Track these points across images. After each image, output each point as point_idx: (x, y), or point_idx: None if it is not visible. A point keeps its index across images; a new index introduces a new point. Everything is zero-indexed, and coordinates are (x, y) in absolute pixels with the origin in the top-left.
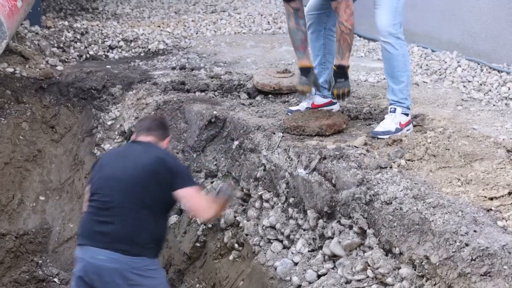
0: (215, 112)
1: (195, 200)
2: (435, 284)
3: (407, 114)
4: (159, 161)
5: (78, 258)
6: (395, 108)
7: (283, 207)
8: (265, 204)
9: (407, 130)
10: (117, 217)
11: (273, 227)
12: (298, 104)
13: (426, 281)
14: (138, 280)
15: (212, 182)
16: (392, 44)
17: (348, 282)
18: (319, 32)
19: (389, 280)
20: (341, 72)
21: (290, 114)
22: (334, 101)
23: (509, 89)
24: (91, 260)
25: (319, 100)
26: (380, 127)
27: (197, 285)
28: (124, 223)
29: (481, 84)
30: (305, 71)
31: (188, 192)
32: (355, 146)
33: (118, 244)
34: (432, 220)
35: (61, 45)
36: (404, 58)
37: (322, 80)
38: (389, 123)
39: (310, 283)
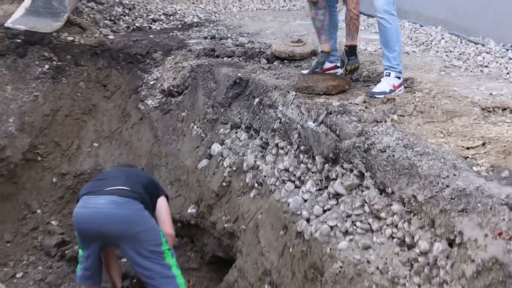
0: (239, 74)
1: (162, 209)
2: (421, 219)
3: (399, 78)
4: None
5: (78, 207)
6: (389, 73)
7: (295, 153)
8: (280, 151)
9: (399, 91)
10: (118, 179)
11: (286, 170)
12: (308, 68)
13: (414, 216)
14: (137, 217)
15: (236, 132)
16: (387, 19)
17: (348, 216)
18: (328, 9)
19: (382, 214)
20: (352, 51)
21: (302, 76)
22: (339, 65)
23: (483, 58)
24: (92, 206)
25: (326, 64)
26: (377, 88)
27: (223, 217)
28: (124, 180)
29: (460, 54)
30: (322, 52)
31: (160, 200)
32: (356, 104)
33: (118, 191)
34: (419, 165)
35: (112, 18)
36: (397, 31)
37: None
38: (384, 85)
39: (317, 216)
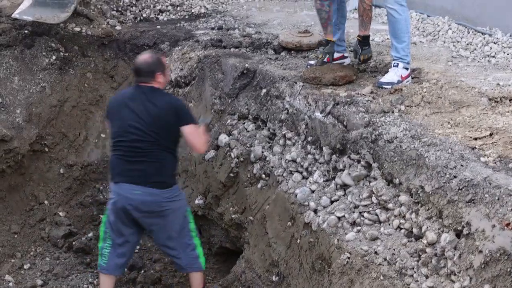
0: (246, 65)
1: (195, 136)
2: (428, 209)
3: (407, 69)
4: (167, 108)
5: (115, 193)
6: (397, 63)
7: (303, 144)
8: (288, 142)
9: (406, 82)
10: (144, 160)
11: (294, 161)
12: (315, 59)
13: (421, 206)
14: (168, 205)
15: (244, 123)
16: (397, 10)
17: (356, 207)
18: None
19: (390, 205)
20: (365, 41)
21: (309, 67)
22: (346, 55)
23: (491, 48)
24: (129, 195)
25: (334, 54)
26: (385, 79)
27: (231, 208)
28: (150, 163)
29: (468, 44)
30: (327, 42)
31: (190, 129)
32: (363, 94)
33: (150, 180)
34: (427, 156)
35: (120, 9)
36: (406, 22)
37: (336, 37)
38: (392, 75)
39: (324, 207)
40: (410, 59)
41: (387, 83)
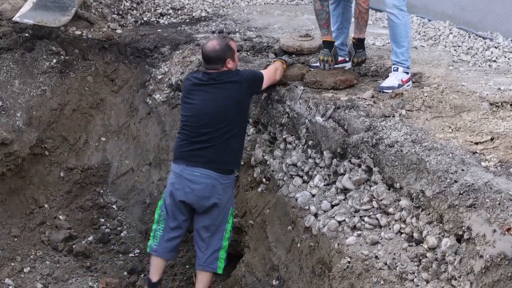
0: (247, 68)
1: (268, 76)
2: (429, 214)
3: (407, 73)
4: (240, 89)
5: (175, 173)
6: (397, 68)
7: (303, 148)
8: (288, 146)
9: (407, 86)
10: (209, 143)
11: (294, 165)
12: (316, 63)
13: (422, 211)
14: (222, 192)
15: None
16: (396, 14)
17: (356, 211)
18: (339, 2)
19: (390, 210)
20: (360, 44)
21: (311, 70)
22: (347, 59)
23: (492, 53)
24: (187, 176)
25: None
26: (385, 83)
27: None
28: (215, 148)
29: (469, 49)
30: (328, 44)
31: (264, 78)
32: (364, 98)
33: (211, 164)
34: (427, 161)
35: (120, 12)
36: (406, 27)
37: (339, 42)
38: (392, 80)
39: (325, 211)
40: (410, 64)
41: (388, 88)
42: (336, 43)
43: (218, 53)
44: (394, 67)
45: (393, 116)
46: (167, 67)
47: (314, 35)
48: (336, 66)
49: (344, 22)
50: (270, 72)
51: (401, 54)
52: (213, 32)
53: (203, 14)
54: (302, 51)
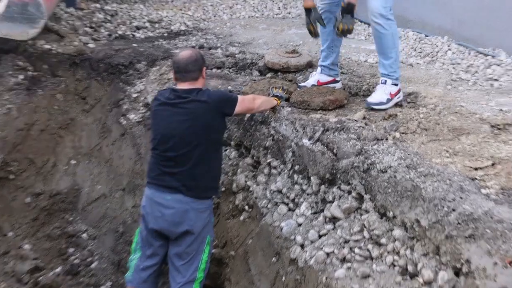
0: (229, 87)
1: (244, 101)
2: (424, 245)
3: (396, 85)
4: (208, 110)
5: (147, 196)
6: (385, 80)
7: (289, 173)
8: (273, 171)
9: (397, 98)
10: (178, 168)
11: (279, 191)
12: (305, 81)
13: (417, 242)
14: (195, 218)
15: (225, 150)
16: (382, 24)
17: (346, 241)
18: (330, 20)
19: (383, 240)
20: (349, 9)
21: (298, 89)
22: (338, 79)
23: (493, 71)
24: (158, 200)
25: (324, 78)
26: (373, 98)
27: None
28: (185, 172)
29: (468, 66)
30: (308, 11)
31: (238, 104)
32: (355, 120)
33: (182, 188)
34: (423, 187)
35: (93, 25)
36: (393, 37)
37: (329, 62)
38: (380, 94)
39: (312, 242)
40: (399, 75)
41: (376, 104)
42: (325, 63)
43: (196, 61)
44: (381, 80)
45: (386, 139)
46: (143, 84)
47: (302, 51)
48: (325, 85)
49: (336, 40)
50: (247, 98)
51: (389, 65)
52: (193, 47)
53: (183, 27)
54: (288, 68)
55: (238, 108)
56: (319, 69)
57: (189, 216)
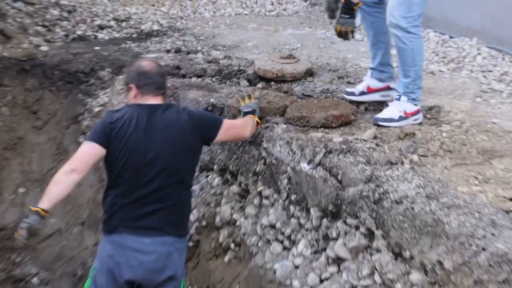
0: (212, 100)
1: (230, 130)
2: None
3: (415, 105)
4: (190, 130)
5: (114, 243)
6: (399, 96)
7: (284, 204)
8: (265, 201)
9: (414, 120)
10: (160, 203)
11: (272, 226)
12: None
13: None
14: (178, 260)
15: (207, 176)
16: (400, 37)
17: (354, 287)
18: (367, 20)
19: (398, 286)
20: (347, 7)
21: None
22: (392, 86)
23: None
24: (133, 245)
25: (374, 83)
26: (383, 114)
27: None
28: (169, 208)
29: (502, 74)
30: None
31: (223, 128)
32: (364, 140)
33: (165, 227)
34: (446, 222)
35: (46, 24)
36: (413, 53)
37: (377, 62)
38: (392, 110)
39: (312, 287)
40: (419, 96)
41: (385, 120)
42: (373, 64)
43: (164, 73)
44: (396, 95)
45: (402, 163)
46: (107, 96)
47: (300, 56)
48: (369, 93)
49: (378, 34)
50: (237, 125)
51: (404, 85)
52: (168, 51)
53: (155, 27)
54: (284, 77)
55: (221, 134)
56: (369, 72)
57: (173, 259)
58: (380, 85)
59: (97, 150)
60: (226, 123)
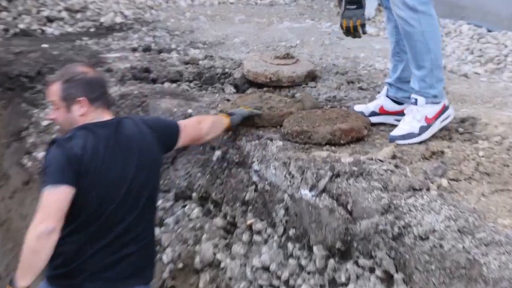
0: (190, 111)
1: (188, 129)
2: None
3: (437, 102)
4: (155, 144)
5: None
6: (416, 99)
7: (281, 241)
8: (256, 237)
9: (441, 121)
10: (140, 244)
11: (266, 269)
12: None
13: None
14: None
15: (184, 206)
16: (406, 19)
17: None
18: (392, 23)
19: None
20: None
21: (301, 112)
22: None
23: None
24: None
25: (389, 105)
26: (399, 129)
27: None
28: (146, 249)
29: None
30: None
31: (181, 130)
32: (380, 160)
33: (143, 274)
34: (484, 263)
35: None
36: (425, 37)
37: (396, 77)
38: (409, 121)
39: None
40: (441, 91)
41: (403, 137)
42: (391, 79)
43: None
44: (412, 99)
45: (428, 190)
46: None
47: (299, 55)
48: (386, 116)
49: (401, 42)
50: (190, 124)
51: (420, 79)
52: (135, 50)
53: (118, 19)
54: (279, 81)
55: (182, 138)
56: (384, 88)
57: None
58: (395, 108)
59: (70, 195)
60: (182, 123)
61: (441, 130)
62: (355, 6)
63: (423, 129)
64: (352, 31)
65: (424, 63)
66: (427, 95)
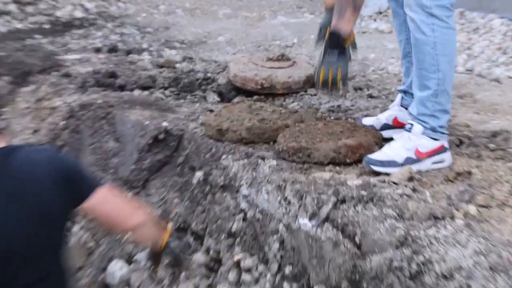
0: (165, 124)
1: (109, 204)
2: None
3: (436, 139)
4: (49, 187)
5: None
6: (411, 125)
7: (275, 280)
8: (245, 276)
9: (433, 163)
10: None
11: None
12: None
13: None
14: None
15: None
16: (418, 22)
17: None
18: (399, 17)
19: None
20: (334, 43)
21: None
22: (412, 122)
23: None
24: None
25: (404, 116)
26: (381, 153)
27: None
28: None
29: None
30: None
31: (96, 196)
32: (394, 182)
33: None
34: None
35: None
36: (436, 49)
37: (408, 83)
38: (396, 148)
39: None
40: (444, 125)
41: (382, 163)
42: (404, 86)
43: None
44: (407, 125)
45: (452, 218)
46: (3, 119)
47: (296, 56)
48: (401, 129)
49: (409, 50)
50: (118, 205)
51: (420, 102)
52: (98, 50)
53: (78, 13)
54: (273, 88)
55: (92, 202)
56: (398, 96)
57: None
58: (401, 118)
59: None
60: (104, 192)
61: (467, 146)
62: (335, 54)
63: (408, 161)
64: (328, 84)
65: (428, 83)
66: (426, 125)
